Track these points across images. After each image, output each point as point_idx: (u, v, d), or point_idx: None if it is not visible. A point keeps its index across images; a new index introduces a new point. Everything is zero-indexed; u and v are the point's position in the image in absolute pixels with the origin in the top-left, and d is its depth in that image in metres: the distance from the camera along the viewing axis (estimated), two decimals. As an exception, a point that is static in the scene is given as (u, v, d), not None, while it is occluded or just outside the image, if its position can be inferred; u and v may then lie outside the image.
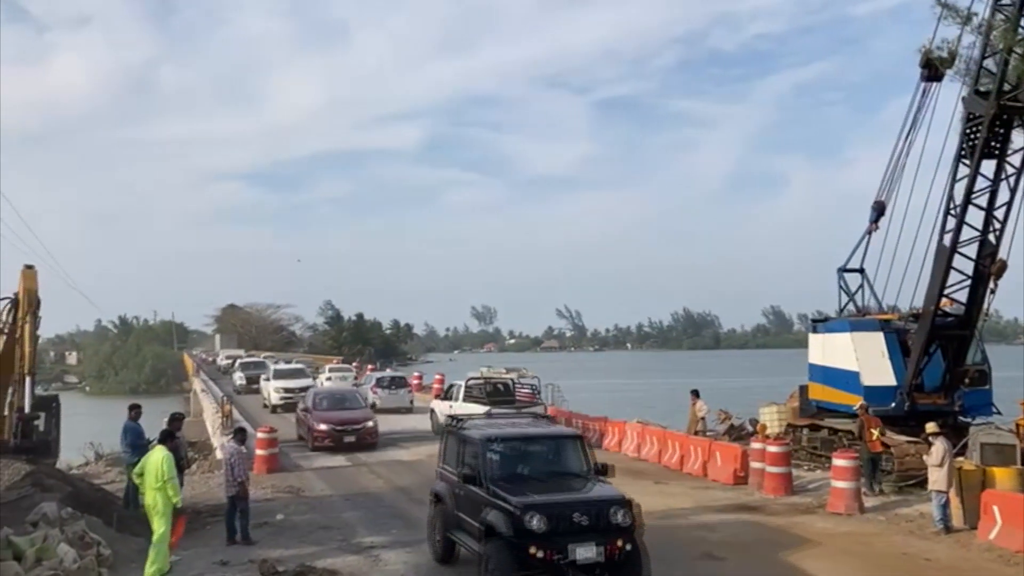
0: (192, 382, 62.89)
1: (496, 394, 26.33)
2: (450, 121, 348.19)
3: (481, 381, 27.85)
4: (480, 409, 21.92)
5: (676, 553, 13.14)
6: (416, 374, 49.83)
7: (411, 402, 36.92)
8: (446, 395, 29.03)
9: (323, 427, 25.15)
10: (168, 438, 13.24)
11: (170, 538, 12.16)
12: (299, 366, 44.89)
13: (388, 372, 45.96)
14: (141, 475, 12.54)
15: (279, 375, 39.09)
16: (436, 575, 12.35)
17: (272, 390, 37.23)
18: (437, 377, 42.77)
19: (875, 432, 17.64)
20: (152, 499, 12.10)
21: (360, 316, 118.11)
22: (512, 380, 28.05)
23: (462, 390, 27.19)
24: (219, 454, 24.94)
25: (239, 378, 48.88)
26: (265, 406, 37.64)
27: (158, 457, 12.32)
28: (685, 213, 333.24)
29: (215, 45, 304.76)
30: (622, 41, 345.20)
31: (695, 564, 12.63)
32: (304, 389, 33.57)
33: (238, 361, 57.45)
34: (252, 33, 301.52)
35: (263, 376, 41.34)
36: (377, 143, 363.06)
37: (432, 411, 29.09)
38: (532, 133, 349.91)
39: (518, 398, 26.66)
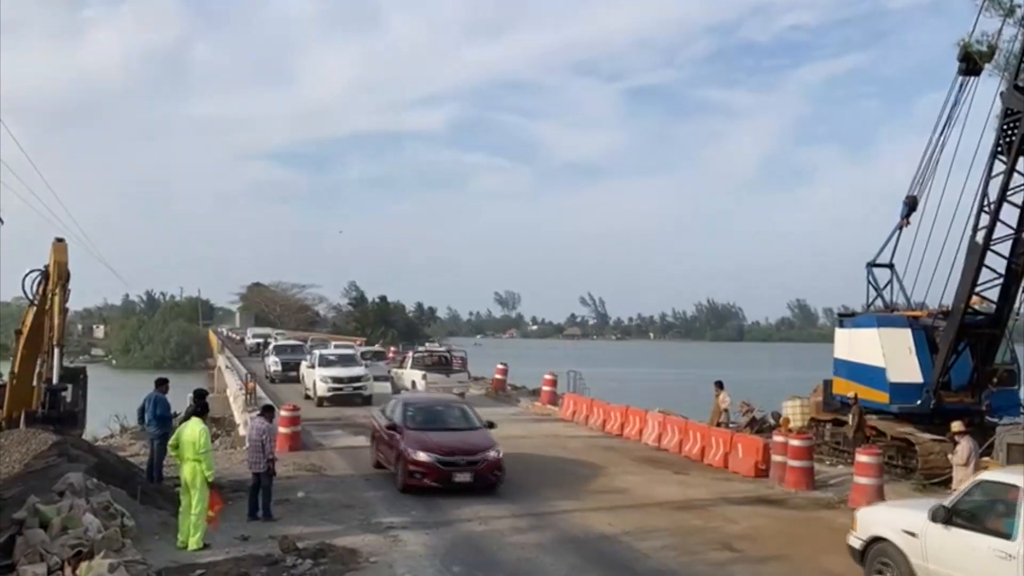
0: (217, 359, 63.43)
1: (435, 364, 34.88)
2: (480, 105, 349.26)
3: (425, 353, 36.68)
4: (419, 374, 33.06)
5: (694, 543, 13.14)
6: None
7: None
8: (400, 364, 37.77)
9: (423, 457, 16.55)
10: (203, 412, 13.87)
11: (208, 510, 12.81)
12: (349, 350, 38.29)
13: (427, 348, 40.80)
14: (176, 447, 13.16)
15: (325, 362, 33.23)
16: (454, 556, 12.39)
17: (318, 379, 31.71)
18: (458, 359, 42.87)
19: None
20: (192, 471, 12.80)
21: (384, 298, 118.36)
22: (448, 353, 37.67)
23: (410, 360, 35.81)
24: (242, 430, 25.18)
25: (273, 363, 42.20)
26: (308, 397, 32.67)
27: (196, 430, 13.06)
28: (713, 204, 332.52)
29: (250, 24, 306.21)
30: (655, 29, 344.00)
31: (713, 555, 12.60)
32: (358, 379, 31.33)
33: (272, 343, 49.95)
34: (288, 13, 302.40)
35: (304, 362, 35.84)
36: (408, 126, 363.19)
37: (390, 376, 35.51)
38: (562, 120, 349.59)
39: (454, 367, 35.46)
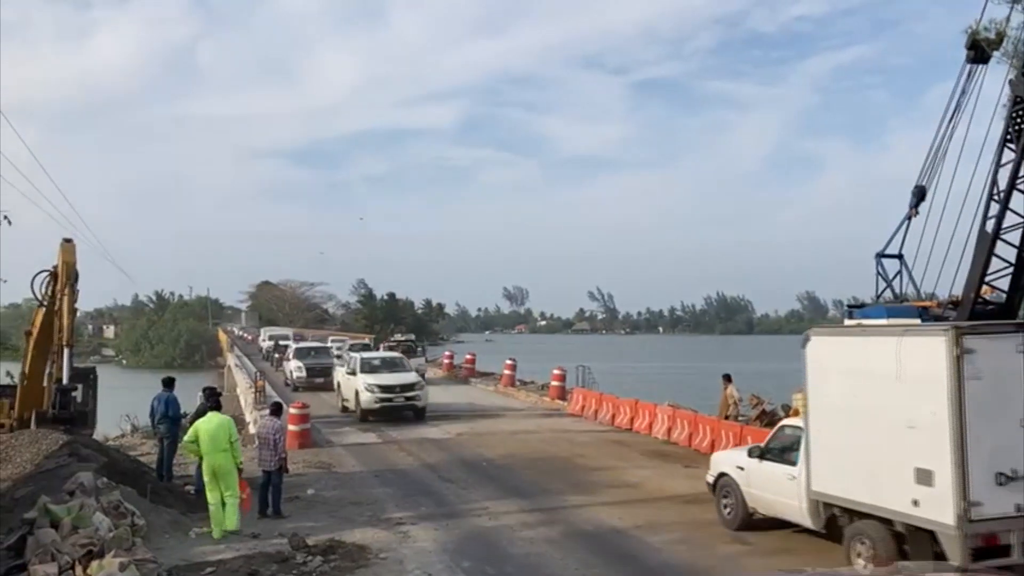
0: (226, 357, 63.61)
1: (403, 351, 36.10)
2: (486, 101, 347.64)
3: (395, 343, 43.03)
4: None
5: (705, 537, 13.11)
6: (447, 353, 49.94)
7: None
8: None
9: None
10: (217, 408, 14.49)
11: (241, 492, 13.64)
12: (393, 353, 33.21)
13: (395, 339, 46.58)
14: (194, 441, 13.60)
15: (368, 367, 27.81)
16: (463, 551, 12.41)
17: (362, 388, 26.68)
18: (468, 357, 42.88)
19: None
20: (224, 460, 13.52)
21: (392, 295, 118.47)
22: (412, 342, 45.55)
23: (383, 348, 40.18)
24: (252, 428, 25.25)
25: (296, 368, 36.76)
26: (346, 409, 28.16)
27: (223, 420, 13.88)
28: (720, 196, 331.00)
29: (257, 22, 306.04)
30: (661, 21, 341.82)
31: (724, 548, 12.58)
32: (411, 387, 26.62)
33: (291, 346, 43.47)
34: (294, 10, 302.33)
35: (340, 367, 30.53)
36: (414, 122, 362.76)
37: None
38: (569, 114, 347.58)
39: (417, 354, 40.60)
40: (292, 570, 11.42)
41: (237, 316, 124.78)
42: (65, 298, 18.17)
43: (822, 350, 12.08)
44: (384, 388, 26.40)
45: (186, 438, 14.10)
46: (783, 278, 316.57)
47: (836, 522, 11.50)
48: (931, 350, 10.12)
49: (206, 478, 13.79)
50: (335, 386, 30.26)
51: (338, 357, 36.25)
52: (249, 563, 11.64)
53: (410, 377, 27.42)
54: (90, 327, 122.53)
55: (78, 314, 19.39)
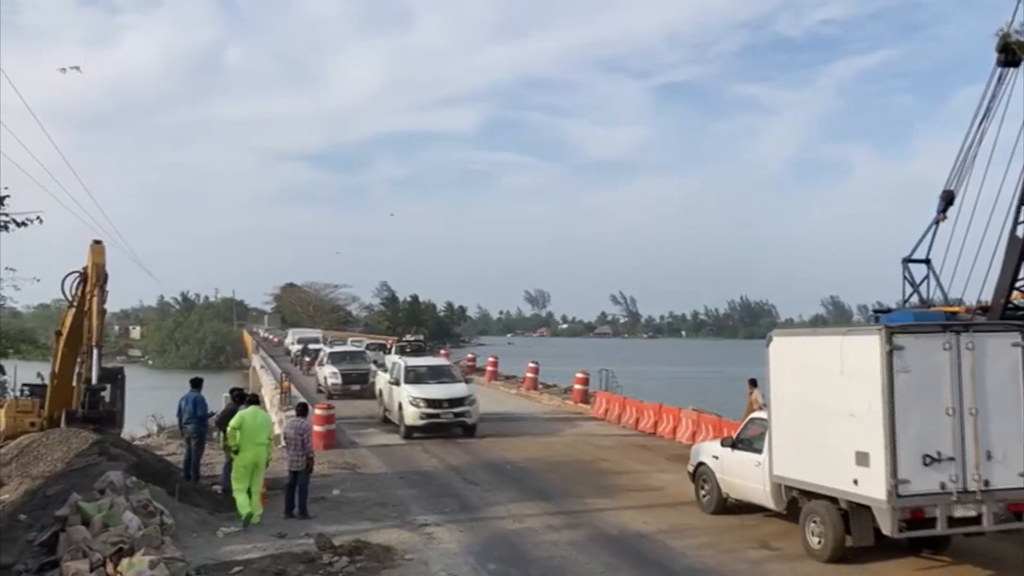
0: (251, 358, 64.03)
1: (413, 349, 40.18)
2: (508, 104, 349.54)
3: (405, 343, 44.97)
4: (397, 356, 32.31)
5: (731, 542, 13.05)
6: (469, 356, 50.01)
7: None
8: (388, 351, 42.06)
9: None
10: (255, 401, 15.29)
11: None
12: (440, 360, 30.55)
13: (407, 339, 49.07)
14: (238, 428, 14.19)
15: (413, 375, 24.56)
16: (488, 553, 12.43)
17: (406, 401, 23.53)
18: (491, 360, 42.89)
19: None
20: (259, 455, 14.26)
21: (415, 298, 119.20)
22: (422, 342, 48.71)
23: (394, 347, 43.15)
24: (277, 429, 25.39)
25: (330, 375, 34.09)
26: (387, 420, 25.71)
27: (266, 417, 14.82)
28: (745, 200, 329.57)
29: (280, 26, 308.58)
30: (685, 24, 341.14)
31: (750, 553, 12.50)
32: (460, 401, 23.70)
33: (324, 350, 40.36)
34: (316, 14, 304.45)
35: (383, 375, 27.34)
36: (436, 126, 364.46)
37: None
38: (591, 117, 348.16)
39: (426, 352, 41.17)
40: (319, 570, 11.48)
41: (262, 318, 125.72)
42: (94, 299, 18.42)
43: (782, 349, 13.21)
44: (430, 402, 23.40)
45: (231, 424, 14.49)
46: (807, 283, 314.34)
47: (796, 504, 12.74)
48: (867, 348, 11.16)
49: (239, 472, 14.22)
50: (376, 394, 27.88)
51: (375, 362, 35.03)
52: (276, 563, 11.72)
53: (460, 389, 24.39)
54: (116, 328, 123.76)
55: (106, 315, 19.58)
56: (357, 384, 33.16)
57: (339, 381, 33.63)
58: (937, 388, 11.14)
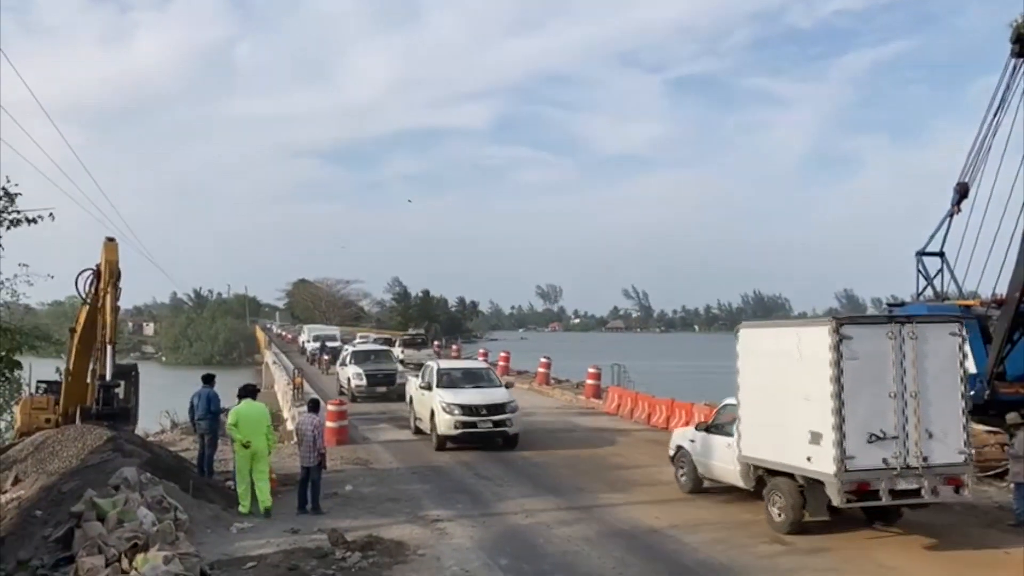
0: (264, 355, 64.27)
1: (414, 343, 49.07)
2: (522, 100, 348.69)
3: (408, 337, 52.01)
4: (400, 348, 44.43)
5: (743, 536, 13.03)
6: (481, 351, 50.02)
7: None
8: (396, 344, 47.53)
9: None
10: (251, 395, 15.40)
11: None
12: (478, 362, 28.83)
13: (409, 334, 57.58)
14: (236, 425, 14.54)
15: (447, 379, 22.45)
16: (500, 548, 12.45)
17: (439, 408, 21.22)
18: (503, 355, 42.89)
19: None
20: (261, 444, 14.60)
21: (427, 293, 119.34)
22: (423, 335, 56.25)
23: (399, 341, 50.40)
24: (289, 425, 25.51)
25: (354, 376, 31.90)
26: (419, 430, 23.28)
27: (257, 406, 15.08)
28: (758, 194, 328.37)
29: (293, 22, 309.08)
30: (697, 18, 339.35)
31: (762, 548, 12.47)
32: (500, 408, 21.29)
33: (346, 348, 38.10)
34: (330, 10, 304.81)
35: (414, 379, 24.83)
36: (450, 122, 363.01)
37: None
38: (605, 112, 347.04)
39: (425, 345, 48.73)
40: (331, 565, 11.52)
41: (274, 314, 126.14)
42: (108, 296, 18.50)
43: (748, 340, 14.32)
44: (466, 409, 21.04)
45: (228, 422, 14.88)
46: (821, 276, 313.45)
47: (763, 482, 13.70)
48: (819, 337, 12.19)
49: (242, 462, 14.55)
50: (407, 400, 25.26)
51: (401, 362, 33.25)
52: (289, 558, 11.78)
53: (499, 395, 21.98)
54: (130, 324, 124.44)
55: (120, 312, 19.67)
56: (383, 386, 31.25)
57: (364, 383, 31.53)
58: (882, 373, 12.13)
